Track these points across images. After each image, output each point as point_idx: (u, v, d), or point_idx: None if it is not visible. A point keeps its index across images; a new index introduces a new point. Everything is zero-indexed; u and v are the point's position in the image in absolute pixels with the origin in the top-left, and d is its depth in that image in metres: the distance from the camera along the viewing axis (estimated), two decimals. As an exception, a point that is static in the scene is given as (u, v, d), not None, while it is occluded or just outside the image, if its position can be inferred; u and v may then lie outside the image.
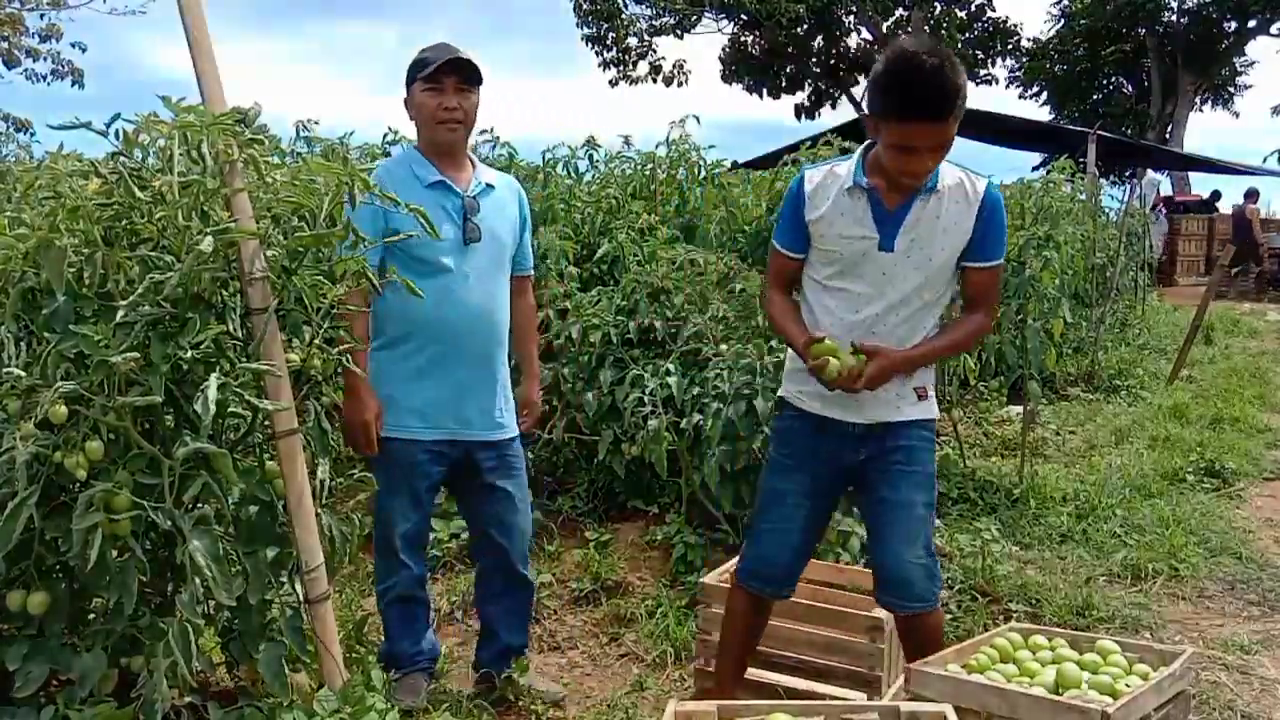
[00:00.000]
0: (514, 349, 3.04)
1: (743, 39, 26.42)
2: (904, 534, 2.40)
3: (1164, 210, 16.87)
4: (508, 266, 2.80)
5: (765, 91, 26.81)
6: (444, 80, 2.60)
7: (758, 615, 2.62)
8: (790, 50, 25.92)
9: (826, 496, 2.54)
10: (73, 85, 11.86)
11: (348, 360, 2.37)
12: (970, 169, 2.40)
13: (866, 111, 2.31)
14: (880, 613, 2.64)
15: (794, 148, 6.08)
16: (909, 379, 2.42)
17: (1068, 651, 2.40)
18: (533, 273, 2.99)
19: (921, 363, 2.40)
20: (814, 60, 26.65)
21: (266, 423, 2.21)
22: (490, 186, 2.75)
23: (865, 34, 26.32)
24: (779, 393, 2.63)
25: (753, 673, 2.84)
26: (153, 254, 2.02)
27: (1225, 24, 23.75)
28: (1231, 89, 26.35)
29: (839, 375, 2.25)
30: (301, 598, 2.28)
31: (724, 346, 4.01)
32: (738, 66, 26.39)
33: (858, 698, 2.66)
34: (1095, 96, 27.36)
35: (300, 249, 2.19)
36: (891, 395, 2.40)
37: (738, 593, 2.60)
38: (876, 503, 2.44)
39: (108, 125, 2.05)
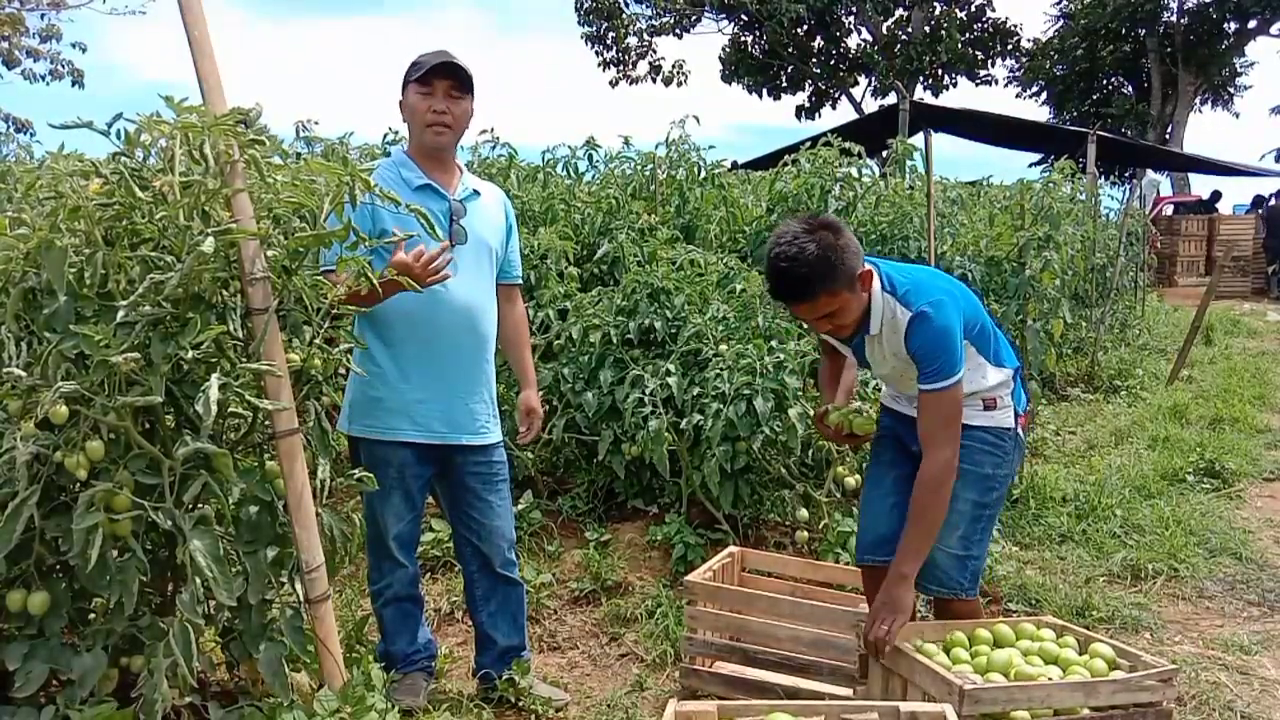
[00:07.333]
0: (509, 358, 3.04)
1: (743, 39, 26.43)
2: None
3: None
4: (494, 271, 2.81)
5: (765, 92, 26.82)
6: (435, 83, 2.61)
7: None
8: (790, 50, 25.94)
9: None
10: (73, 85, 11.89)
11: (348, 360, 2.37)
12: (903, 300, 2.45)
13: None
14: (864, 608, 2.72)
15: (794, 148, 6.08)
16: (975, 391, 2.53)
17: (1049, 647, 2.44)
18: (521, 281, 2.99)
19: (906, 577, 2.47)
20: (814, 60, 26.66)
21: (267, 423, 2.21)
22: (476, 193, 2.77)
23: (865, 34, 26.33)
24: None
25: (736, 669, 2.89)
26: (153, 254, 2.02)
27: (1225, 24, 23.75)
28: (1231, 89, 26.35)
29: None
30: (301, 598, 2.28)
31: (724, 346, 4.01)
32: (738, 67, 26.39)
33: (843, 693, 2.69)
34: (1095, 96, 27.36)
35: (301, 249, 2.19)
36: None
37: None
38: None
39: (109, 125, 2.05)
